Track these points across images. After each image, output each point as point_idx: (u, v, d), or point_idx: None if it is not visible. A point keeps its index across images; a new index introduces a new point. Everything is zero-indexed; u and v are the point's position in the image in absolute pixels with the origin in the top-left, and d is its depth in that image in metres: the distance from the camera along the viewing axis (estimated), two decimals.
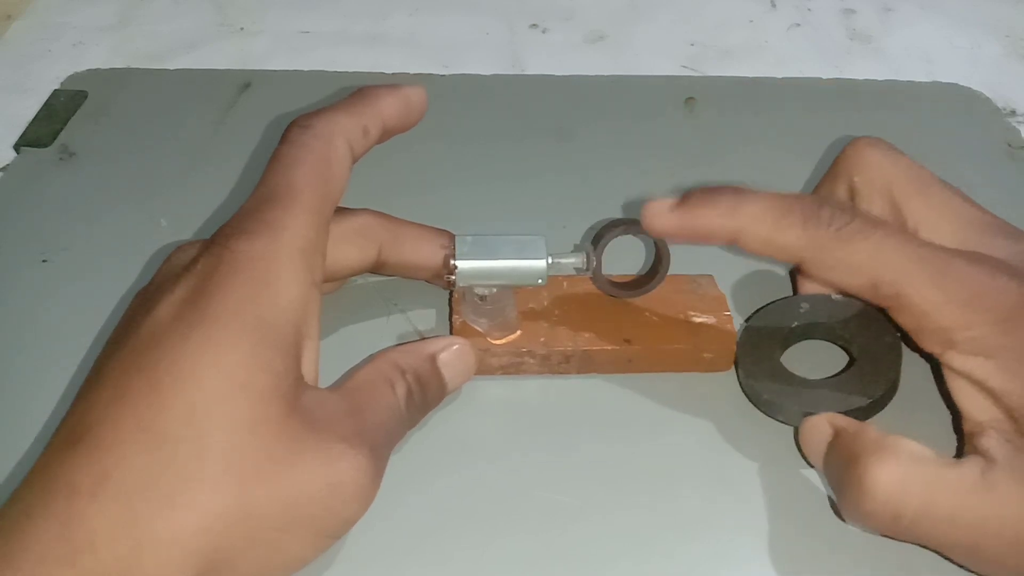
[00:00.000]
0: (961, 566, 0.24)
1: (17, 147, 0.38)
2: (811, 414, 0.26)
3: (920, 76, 0.46)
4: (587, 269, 0.29)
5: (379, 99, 0.27)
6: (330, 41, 0.47)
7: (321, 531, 0.22)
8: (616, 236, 0.29)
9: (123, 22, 0.48)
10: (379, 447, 0.23)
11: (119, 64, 0.45)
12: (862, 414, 0.27)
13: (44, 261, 0.33)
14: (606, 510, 0.26)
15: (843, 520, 0.25)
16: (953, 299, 0.24)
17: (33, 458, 0.21)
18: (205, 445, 0.20)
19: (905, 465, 0.23)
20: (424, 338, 0.30)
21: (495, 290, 0.28)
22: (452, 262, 0.28)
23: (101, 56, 0.46)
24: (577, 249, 0.29)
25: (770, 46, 0.49)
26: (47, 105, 0.41)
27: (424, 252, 0.29)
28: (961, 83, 0.45)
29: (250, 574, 0.21)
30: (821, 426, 0.26)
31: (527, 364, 0.29)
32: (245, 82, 0.43)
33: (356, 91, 0.27)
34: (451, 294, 0.30)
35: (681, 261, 0.30)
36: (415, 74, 0.44)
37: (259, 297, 0.22)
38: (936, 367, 0.28)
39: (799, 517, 0.26)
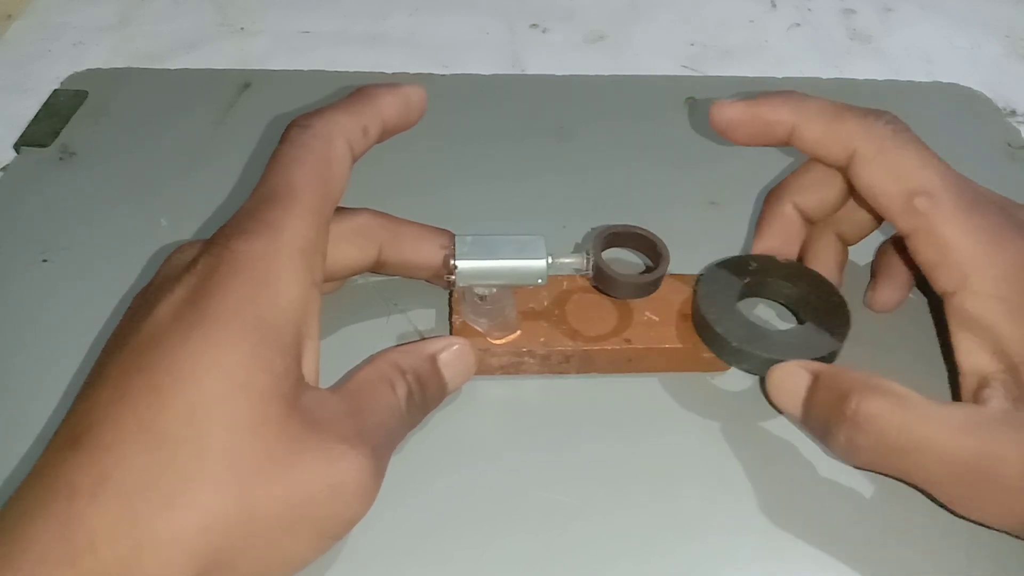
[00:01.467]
0: (946, 507, 0.25)
1: (17, 147, 0.38)
2: (776, 361, 0.27)
3: (920, 76, 0.46)
4: (587, 269, 0.29)
5: (379, 98, 0.27)
6: (330, 41, 0.47)
7: (322, 532, 0.22)
8: (613, 229, 0.29)
9: (123, 22, 0.48)
10: (380, 447, 0.23)
11: (119, 64, 0.45)
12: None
13: (44, 261, 0.33)
14: (606, 510, 0.26)
15: (833, 457, 0.26)
16: (978, 234, 0.25)
17: (33, 458, 0.21)
18: (205, 445, 0.20)
19: (897, 400, 0.24)
20: (424, 338, 0.30)
21: (495, 290, 0.28)
22: (452, 262, 0.28)
23: (101, 56, 0.46)
24: (577, 249, 0.29)
25: (770, 46, 0.49)
26: (47, 105, 0.41)
27: (424, 251, 0.29)
28: (961, 83, 0.45)
29: (251, 574, 0.21)
30: (796, 373, 0.26)
31: (527, 364, 0.29)
32: (245, 82, 0.43)
33: (356, 90, 0.27)
34: (451, 294, 0.30)
35: (681, 261, 0.30)
36: (415, 74, 0.44)
37: (259, 297, 0.22)
38: (940, 319, 0.28)
39: (799, 517, 0.26)
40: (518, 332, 0.29)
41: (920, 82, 0.45)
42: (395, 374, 0.25)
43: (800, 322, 0.30)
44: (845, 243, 0.32)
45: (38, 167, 0.38)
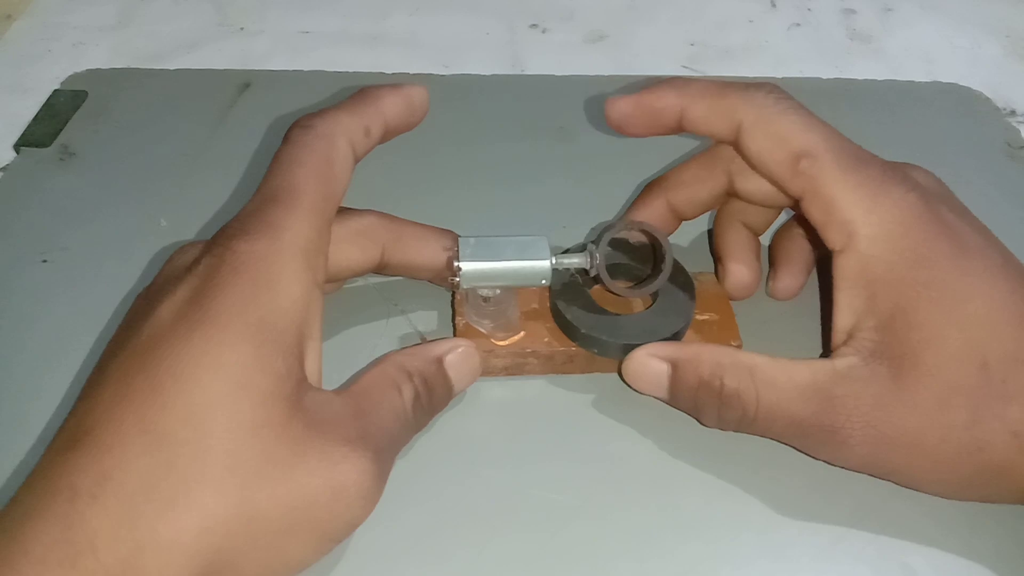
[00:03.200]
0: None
1: (17, 147, 0.38)
2: (628, 345, 0.28)
3: (920, 76, 0.46)
4: (590, 268, 0.29)
5: (381, 99, 0.27)
6: (330, 41, 0.47)
7: (324, 534, 0.22)
8: (617, 233, 0.29)
9: (123, 22, 0.48)
10: (383, 450, 0.23)
11: (119, 64, 0.45)
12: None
13: (44, 261, 0.33)
14: (606, 510, 0.26)
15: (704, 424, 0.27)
16: (861, 190, 0.25)
17: (34, 459, 0.21)
18: (206, 447, 0.20)
19: (748, 371, 0.25)
20: (426, 340, 0.30)
21: (498, 291, 0.28)
22: (456, 264, 0.28)
23: (101, 56, 0.46)
24: (578, 248, 0.29)
25: (770, 46, 0.49)
26: (47, 105, 0.41)
27: (427, 253, 0.29)
28: (961, 83, 0.45)
29: None
30: (652, 364, 0.27)
31: (530, 364, 0.29)
32: (245, 82, 0.43)
33: (358, 91, 0.27)
34: (454, 295, 0.30)
35: (683, 260, 0.30)
36: (415, 74, 0.44)
37: (261, 298, 0.22)
38: (825, 277, 0.28)
39: (799, 516, 0.26)
40: (521, 333, 0.29)
41: (920, 82, 0.45)
42: (401, 377, 0.25)
43: (653, 301, 0.30)
44: (755, 232, 0.32)
45: (38, 167, 0.37)
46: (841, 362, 0.25)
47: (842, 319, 0.26)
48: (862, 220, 0.25)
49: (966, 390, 0.24)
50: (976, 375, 0.24)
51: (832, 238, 0.26)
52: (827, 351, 0.27)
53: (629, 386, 0.28)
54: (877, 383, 0.24)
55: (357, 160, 0.26)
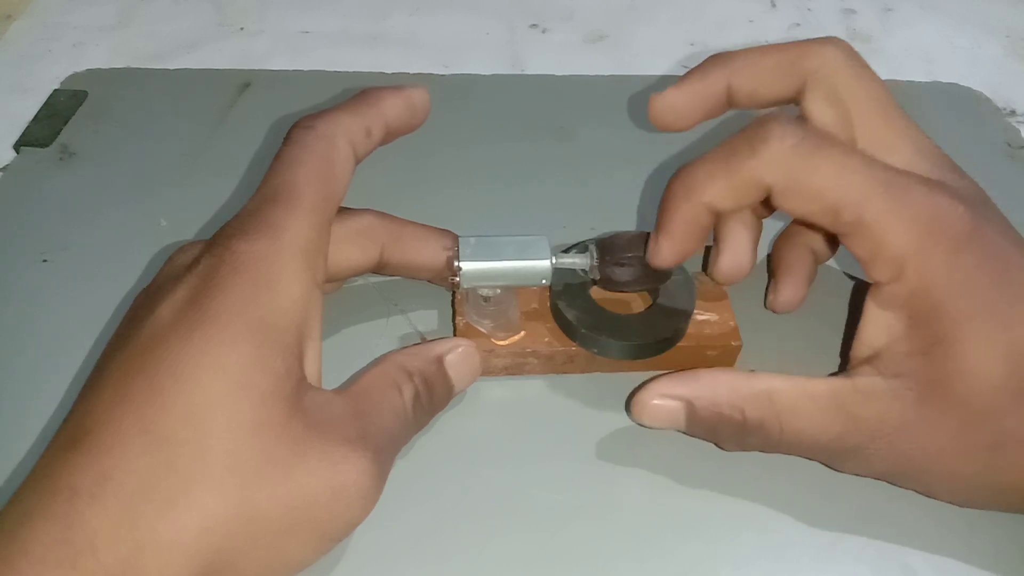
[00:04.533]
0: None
1: (17, 147, 0.38)
2: (628, 345, 0.28)
3: (920, 76, 0.46)
4: (590, 268, 0.29)
5: (382, 100, 0.27)
6: (330, 41, 0.47)
7: (323, 534, 0.22)
8: (620, 246, 0.29)
9: (123, 22, 0.48)
10: (383, 450, 0.23)
11: (119, 64, 0.45)
12: (668, 344, 0.29)
13: (44, 261, 0.33)
14: (606, 510, 0.26)
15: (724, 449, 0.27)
16: (912, 226, 0.24)
17: (34, 459, 0.21)
18: (206, 447, 0.20)
19: (768, 399, 0.25)
20: (426, 339, 0.30)
21: (499, 291, 0.28)
22: (456, 264, 0.28)
23: (101, 56, 0.46)
24: (579, 248, 0.29)
25: None
26: (47, 105, 0.41)
27: (426, 253, 0.29)
28: (961, 83, 0.45)
29: None
30: (666, 405, 0.26)
31: (530, 364, 0.29)
32: (245, 82, 0.43)
33: (359, 92, 0.27)
34: (454, 295, 0.30)
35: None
36: (415, 74, 0.44)
37: (260, 298, 0.22)
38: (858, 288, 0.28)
39: (799, 516, 0.26)
40: (522, 333, 0.29)
41: (920, 82, 0.45)
42: (402, 376, 0.25)
43: (652, 301, 0.30)
44: (759, 215, 0.31)
45: (38, 167, 0.37)
46: (863, 381, 0.25)
47: (872, 336, 0.25)
48: (912, 256, 0.24)
49: (995, 415, 0.24)
50: (1010, 402, 0.23)
51: (879, 272, 0.25)
52: (845, 360, 0.27)
53: (637, 423, 0.27)
54: (901, 405, 0.24)
55: (358, 161, 0.26)
